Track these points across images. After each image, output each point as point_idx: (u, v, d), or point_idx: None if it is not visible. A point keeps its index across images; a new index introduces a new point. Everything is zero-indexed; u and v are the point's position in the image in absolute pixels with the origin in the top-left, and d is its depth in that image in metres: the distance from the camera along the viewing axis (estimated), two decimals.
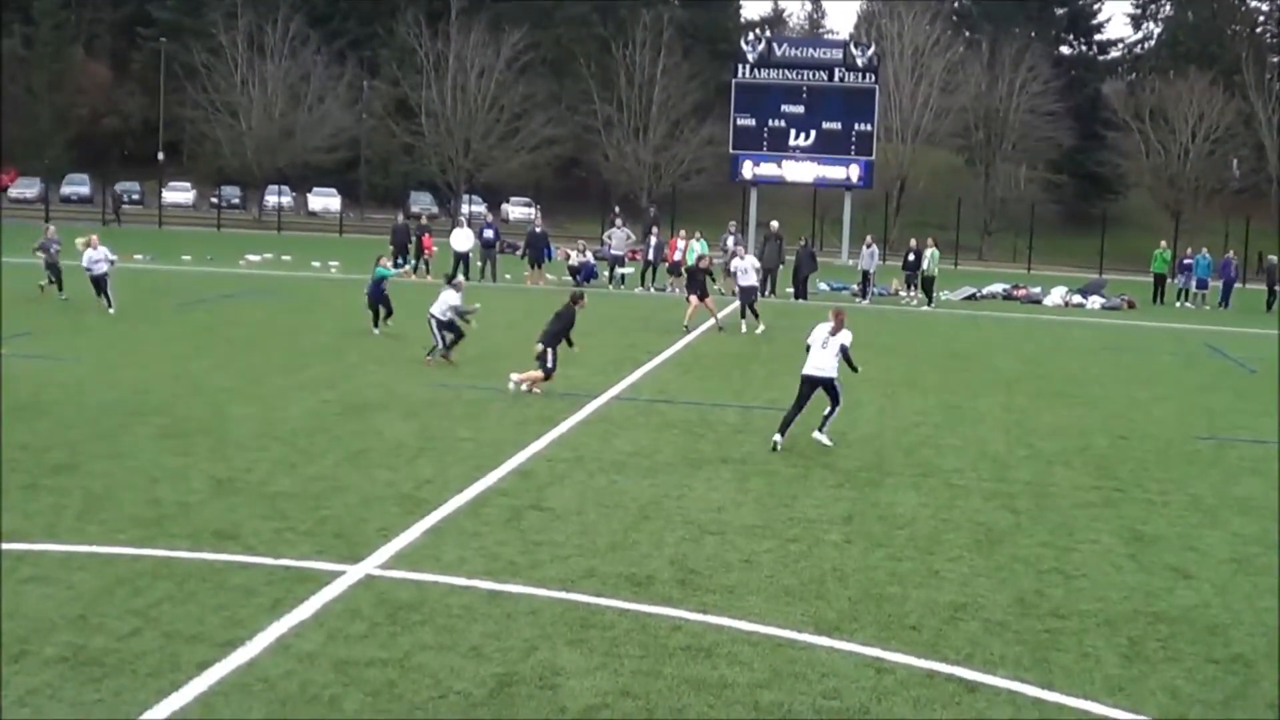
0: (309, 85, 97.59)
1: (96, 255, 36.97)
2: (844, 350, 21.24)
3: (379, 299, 33.49)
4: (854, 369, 21.77)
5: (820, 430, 21.26)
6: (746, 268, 38.45)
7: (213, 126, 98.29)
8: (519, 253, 59.32)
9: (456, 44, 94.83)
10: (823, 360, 21.17)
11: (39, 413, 21.88)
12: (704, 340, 35.32)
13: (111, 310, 35.80)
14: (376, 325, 33.51)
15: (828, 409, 21.25)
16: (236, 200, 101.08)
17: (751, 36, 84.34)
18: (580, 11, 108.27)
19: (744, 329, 37.19)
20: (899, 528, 16.60)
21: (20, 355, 27.97)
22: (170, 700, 10.53)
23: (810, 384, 21.23)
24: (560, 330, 25.91)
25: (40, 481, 17.27)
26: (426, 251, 52.26)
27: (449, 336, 28.76)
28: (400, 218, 56.47)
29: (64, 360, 27.56)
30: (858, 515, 17.14)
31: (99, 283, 36.85)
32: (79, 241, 37.79)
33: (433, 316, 28.64)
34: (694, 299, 37.54)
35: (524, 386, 25.24)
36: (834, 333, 21.26)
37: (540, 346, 25.51)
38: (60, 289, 38.28)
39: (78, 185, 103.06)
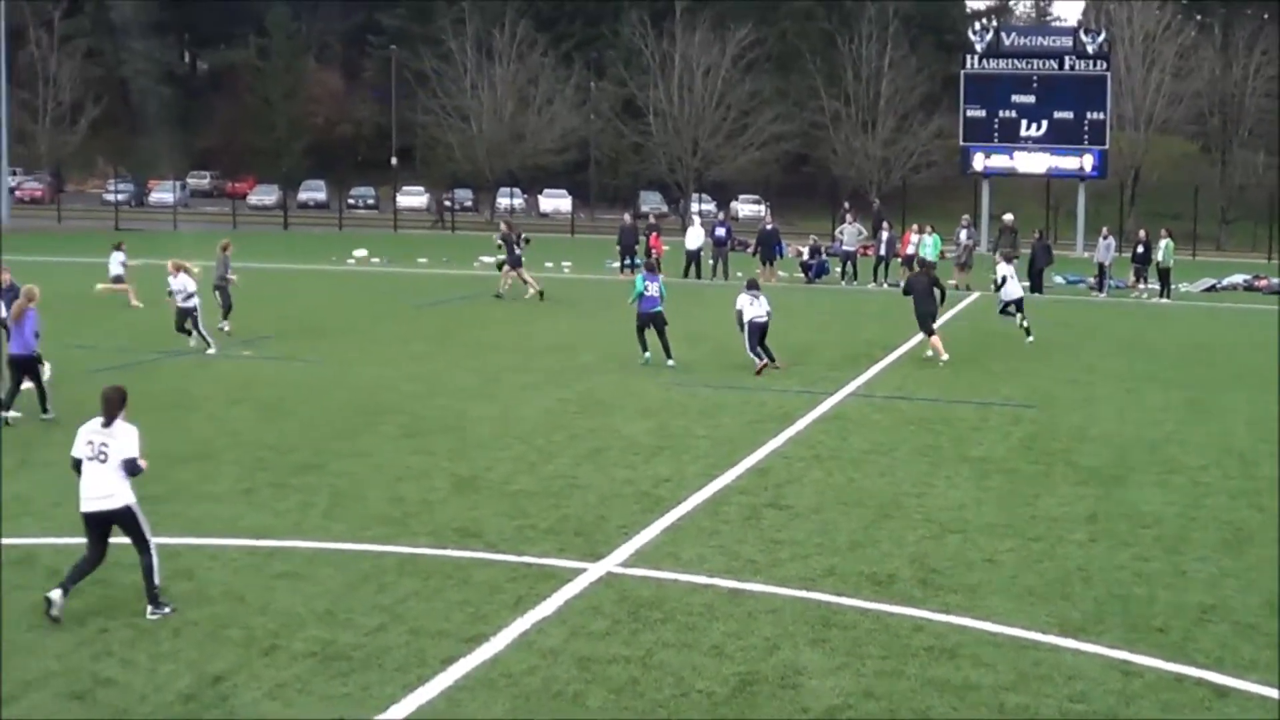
0: (537, 88, 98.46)
1: (178, 285, 29.67)
2: None
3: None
4: None
5: None
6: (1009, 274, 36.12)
7: (444, 131, 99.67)
8: (750, 250, 59.16)
9: (681, 43, 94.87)
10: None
11: (284, 413, 22.43)
12: (940, 336, 34.79)
13: (211, 351, 29.36)
14: (647, 349, 28.68)
15: None
16: (469, 203, 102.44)
17: (979, 26, 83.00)
18: (804, 6, 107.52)
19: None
20: (1144, 526, 16.18)
21: (264, 357, 28.70)
22: (416, 695, 10.70)
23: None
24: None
25: (288, 480, 17.69)
26: (656, 250, 52.37)
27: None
28: (627, 218, 56.67)
29: (306, 361, 28.19)
30: (1101, 514, 16.75)
31: (186, 315, 29.74)
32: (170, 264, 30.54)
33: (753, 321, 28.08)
34: None
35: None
36: None
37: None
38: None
39: (314, 191, 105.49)
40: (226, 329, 31.78)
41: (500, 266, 43.61)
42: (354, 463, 18.81)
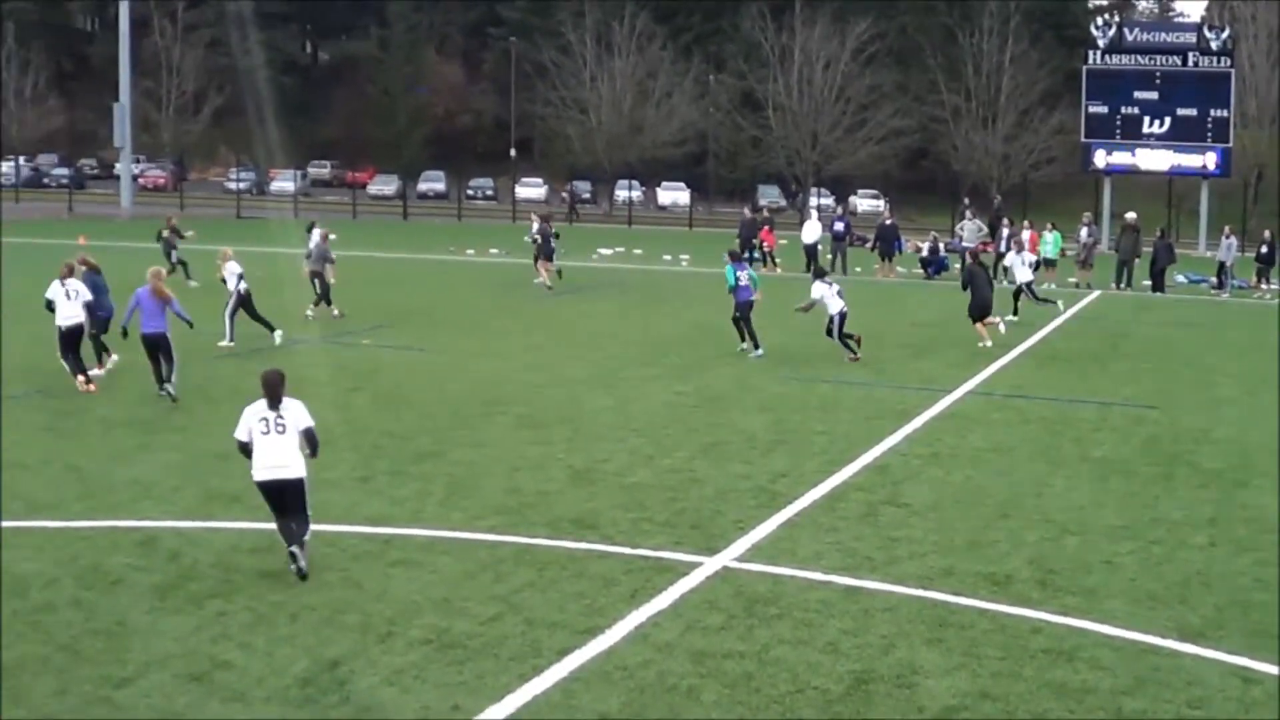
0: (656, 81, 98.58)
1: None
2: None
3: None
4: None
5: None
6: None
7: (563, 123, 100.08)
8: (869, 245, 58.90)
9: (801, 36, 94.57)
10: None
11: (403, 401, 22.61)
12: (1060, 335, 34.50)
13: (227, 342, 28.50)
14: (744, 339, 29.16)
15: None
16: (587, 195, 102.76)
17: (1101, 22, 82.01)
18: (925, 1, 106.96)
19: None
20: (1266, 531, 15.87)
21: (382, 346, 28.94)
22: (531, 685, 10.73)
23: None
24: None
25: (406, 468, 17.84)
26: (768, 244, 52.24)
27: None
28: (747, 211, 56.54)
29: (424, 351, 28.39)
30: (1222, 518, 16.48)
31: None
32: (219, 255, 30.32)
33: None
34: None
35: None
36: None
37: None
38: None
39: (433, 182, 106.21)
40: (311, 315, 32.24)
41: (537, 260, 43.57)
42: (471, 452, 18.92)
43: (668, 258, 56.26)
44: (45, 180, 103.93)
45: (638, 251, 60.33)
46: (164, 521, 15.09)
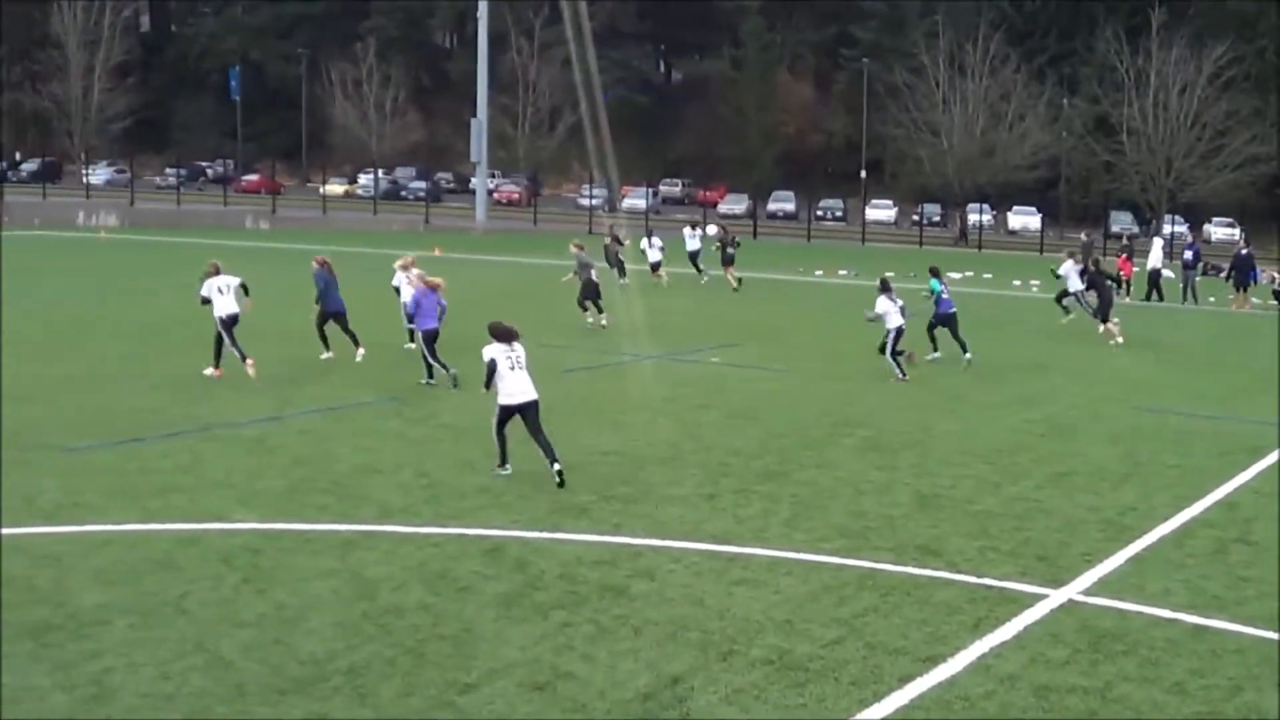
0: (1009, 104, 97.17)
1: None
2: None
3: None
4: None
5: None
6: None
7: (914, 145, 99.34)
8: (1223, 275, 57.01)
9: (1157, 60, 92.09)
10: None
11: (751, 420, 22.75)
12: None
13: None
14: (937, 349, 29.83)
15: None
16: (937, 218, 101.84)
17: None
18: None
19: None
20: None
21: (731, 365, 29.16)
22: (871, 711, 10.68)
23: None
24: None
25: (751, 487, 17.93)
26: (1124, 272, 50.93)
27: None
28: (1083, 236, 55.45)
29: (772, 370, 28.51)
30: None
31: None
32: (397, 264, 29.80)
33: None
34: None
35: None
36: None
37: None
38: None
39: (783, 202, 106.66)
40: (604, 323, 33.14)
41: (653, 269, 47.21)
42: (817, 473, 18.93)
43: (1017, 283, 55.35)
44: (403, 193, 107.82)
45: (987, 275, 59.52)
46: (511, 531, 15.46)
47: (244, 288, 26.12)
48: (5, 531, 14.78)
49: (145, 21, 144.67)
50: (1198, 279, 51.58)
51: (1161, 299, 49.08)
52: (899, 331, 27.81)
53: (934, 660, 11.74)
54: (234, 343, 25.36)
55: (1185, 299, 49.49)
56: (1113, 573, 14.59)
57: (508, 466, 18.11)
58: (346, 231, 77.69)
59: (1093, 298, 35.86)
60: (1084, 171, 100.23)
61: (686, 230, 51.60)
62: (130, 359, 27.68)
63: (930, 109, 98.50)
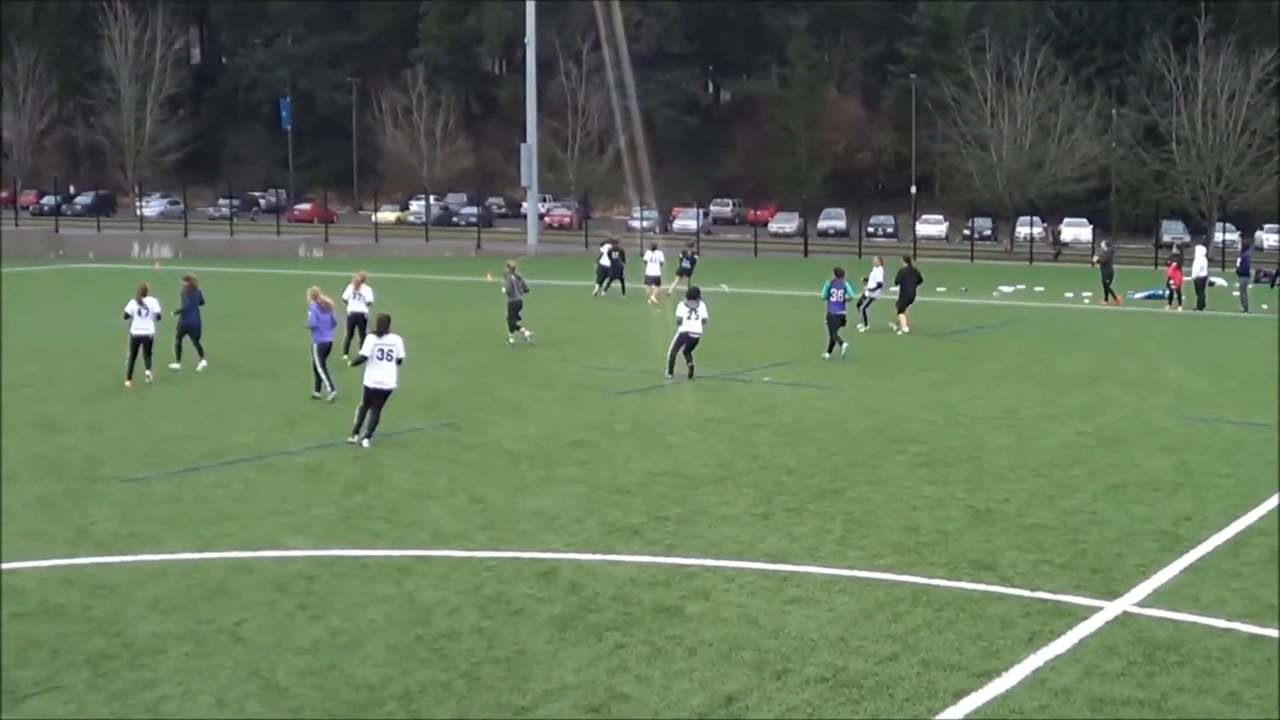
0: (1057, 115, 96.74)
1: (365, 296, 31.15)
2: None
3: None
4: None
5: None
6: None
7: (963, 159, 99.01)
8: (1271, 282, 56.60)
9: (1205, 68, 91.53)
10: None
11: (803, 438, 22.74)
12: None
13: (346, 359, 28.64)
14: None
15: None
16: (987, 232, 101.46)
17: None
18: None
19: None
20: None
21: (783, 383, 29.14)
22: None
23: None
24: None
25: (805, 505, 17.94)
26: (1174, 281, 50.57)
27: None
28: (1103, 245, 55.28)
29: (823, 388, 28.46)
30: None
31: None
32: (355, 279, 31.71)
33: None
34: None
35: None
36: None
37: None
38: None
39: (834, 219, 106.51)
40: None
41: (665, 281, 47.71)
42: (870, 490, 18.91)
43: (1069, 295, 55.06)
44: (454, 219, 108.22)
45: (1039, 289, 59.21)
46: (565, 554, 15.51)
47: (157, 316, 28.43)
48: (61, 563, 14.97)
49: (196, 54, 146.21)
50: (1250, 286, 51.16)
51: (1202, 307, 48.45)
52: (681, 336, 29.23)
53: (988, 675, 11.73)
54: (132, 360, 27.97)
55: (1242, 305, 49.01)
56: (1167, 583, 14.55)
57: (356, 437, 21.57)
58: (399, 257, 77.96)
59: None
60: (1134, 181, 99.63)
61: (649, 253, 51.25)
62: (187, 387, 27.89)
63: (978, 123, 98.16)
